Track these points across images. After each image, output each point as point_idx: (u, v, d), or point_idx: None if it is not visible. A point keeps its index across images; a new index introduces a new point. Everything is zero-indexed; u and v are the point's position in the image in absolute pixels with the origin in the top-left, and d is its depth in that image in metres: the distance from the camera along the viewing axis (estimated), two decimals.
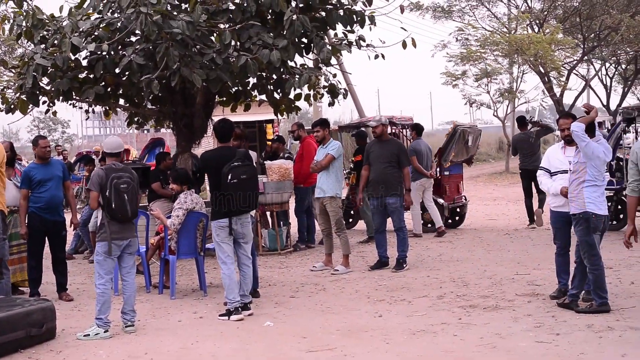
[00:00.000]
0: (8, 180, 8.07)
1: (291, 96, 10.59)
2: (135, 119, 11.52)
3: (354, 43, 9.76)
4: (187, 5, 9.11)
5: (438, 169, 13.09)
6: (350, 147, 15.58)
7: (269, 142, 14.46)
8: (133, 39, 9.25)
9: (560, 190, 7.03)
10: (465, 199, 13.77)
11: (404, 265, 9.33)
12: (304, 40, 9.53)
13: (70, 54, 8.82)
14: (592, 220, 6.60)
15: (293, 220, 11.85)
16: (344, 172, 12.21)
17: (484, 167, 32.94)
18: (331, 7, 9.53)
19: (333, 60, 10.25)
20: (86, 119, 12.49)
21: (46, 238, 8.38)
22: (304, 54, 9.76)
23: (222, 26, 9.04)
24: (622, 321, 6.31)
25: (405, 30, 9.51)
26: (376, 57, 9.92)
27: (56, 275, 8.47)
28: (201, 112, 10.50)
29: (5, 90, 9.90)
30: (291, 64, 9.56)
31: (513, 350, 5.68)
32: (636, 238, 6.50)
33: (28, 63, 8.98)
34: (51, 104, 10.02)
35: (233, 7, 9.19)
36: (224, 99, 10.88)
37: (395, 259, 9.37)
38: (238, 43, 8.92)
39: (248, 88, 10.65)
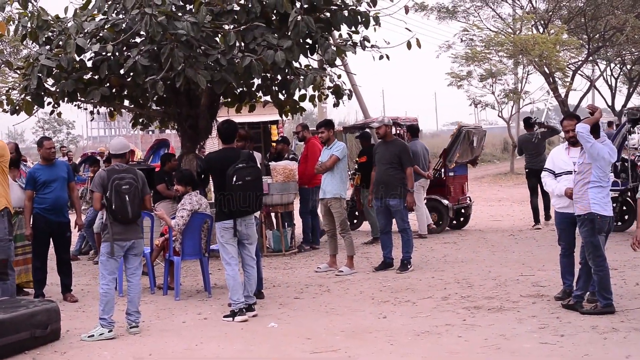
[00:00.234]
0: (13, 182, 8.09)
1: (296, 97, 10.61)
2: (140, 120, 11.55)
3: (359, 44, 9.76)
4: (191, 7, 9.13)
5: (443, 170, 13.09)
6: (355, 148, 15.55)
7: (274, 143, 14.48)
8: (138, 40, 9.28)
9: (565, 191, 7.01)
10: (470, 200, 13.75)
11: (409, 267, 9.31)
12: (309, 41, 9.53)
13: (75, 55, 8.85)
14: (597, 221, 6.58)
15: (298, 221, 11.85)
16: (349, 173, 12.20)
17: (488, 168, 32.91)
18: (336, 7, 9.54)
19: (338, 61, 10.26)
20: (91, 120, 12.50)
21: (51, 239, 8.39)
22: (309, 55, 9.77)
23: (226, 27, 9.06)
24: (627, 322, 6.29)
25: (410, 30, 9.49)
26: (381, 57, 9.92)
27: (61, 276, 8.48)
28: (206, 113, 10.52)
29: (10, 91, 9.94)
30: (296, 64, 9.58)
31: (517, 352, 5.67)
32: None
33: (33, 64, 9.01)
34: (56, 105, 10.05)
35: (238, 8, 9.19)
36: (229, 100, 10.90)
37: (400, 260, 9.37)
38: (243, 44, 8.92)
39: (253, 89, 10.67)
